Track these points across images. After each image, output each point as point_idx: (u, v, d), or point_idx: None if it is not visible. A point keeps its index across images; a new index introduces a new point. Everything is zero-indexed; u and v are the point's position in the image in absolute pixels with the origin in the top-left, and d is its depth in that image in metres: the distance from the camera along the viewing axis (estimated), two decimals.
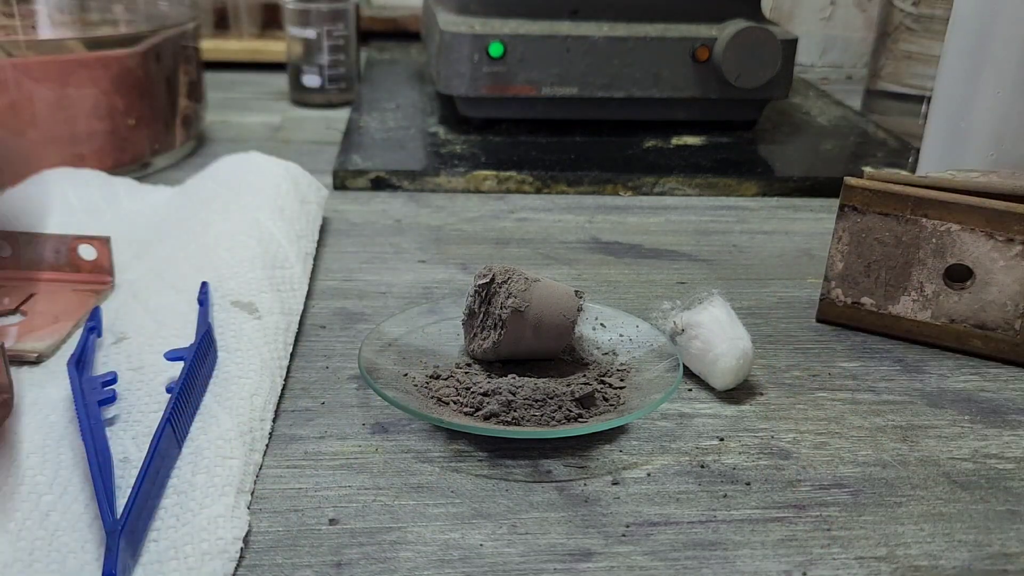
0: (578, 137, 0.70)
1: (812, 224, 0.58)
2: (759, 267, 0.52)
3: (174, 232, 0.48)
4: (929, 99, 0.56)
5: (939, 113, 0.52)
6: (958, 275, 0.42)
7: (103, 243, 0.44)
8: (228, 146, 0.68)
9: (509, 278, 0.37)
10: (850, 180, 0.42)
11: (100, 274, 0.45)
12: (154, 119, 0.62)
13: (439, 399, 0.36)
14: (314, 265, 0.49)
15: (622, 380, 0.37)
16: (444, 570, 0.28)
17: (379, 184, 0.62)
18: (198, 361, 0.35)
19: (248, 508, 0.30)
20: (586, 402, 0.35)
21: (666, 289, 0.48)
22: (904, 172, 0.44)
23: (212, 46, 0.89)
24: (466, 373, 0.37)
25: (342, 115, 0.78)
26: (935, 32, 0.73)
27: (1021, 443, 0.36)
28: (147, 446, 0.30)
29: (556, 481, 0.33)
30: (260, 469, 0.33)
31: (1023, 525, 0.31)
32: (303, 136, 0.73)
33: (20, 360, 0.38)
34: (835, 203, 0.42)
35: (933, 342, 0.43)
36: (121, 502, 0.28)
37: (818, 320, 0.45)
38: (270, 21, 0.97)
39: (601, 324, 0.41)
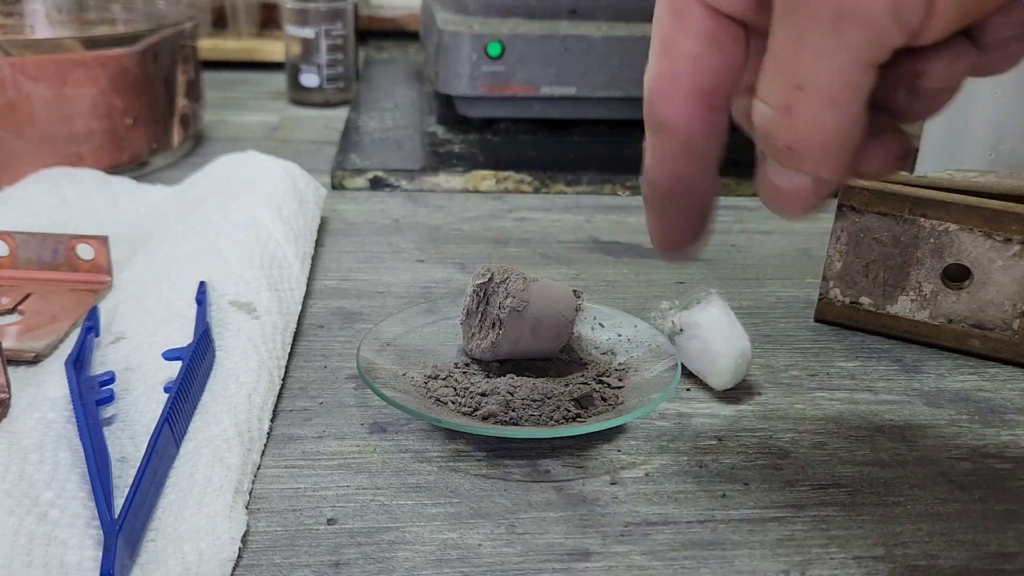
0: (576, 137, 0.70)
1: (810, 224, 0.58)
2: (757, 267, 0.52)
3: (172, 231, 0.48)
4: None
5: None
6: (956, 275, 0.42)
7: (101, 242, 0.44)
8: (226, 145, 0.68)
9: (507, 278, 0.37)
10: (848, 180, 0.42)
11: (98, 273, 0.44)
12: (152, 118, 0.62)
13: (437, 399, 0.35)
14: (312, 264, 0.49)
15: (620, 380, 0.37)
16: (442, 570, 0.28)
17: (377, 184, 0.62)
18: (196, 361, 0.35)
19: (246, 508, 0.30)
20: (584, 402, 0.35)
21: (665, 289, 0.48)
22: (902, 172, 0.44)
23: (210, 45, 0.89)
24: (464, 373, 0.37)
25: (340, 114, 0.78)
26: None
27: (1019, 443, 0.36)
28: (145, 446, 0.30)
29: (554, 481, 0.33)
30: (258, 469, 0.33)
31: (1021, 525, 0.31)
32: (301, 135, 0.73)
33: (18, 360, 0.38)
34: (833, 203, 0.42)
35: (931, 342, 0.43)
36: (119, 502, 0.28)
37: (816, 320, 0.45)
38: (268, 20, 0.97)
39: (599, 324, 0.41)
